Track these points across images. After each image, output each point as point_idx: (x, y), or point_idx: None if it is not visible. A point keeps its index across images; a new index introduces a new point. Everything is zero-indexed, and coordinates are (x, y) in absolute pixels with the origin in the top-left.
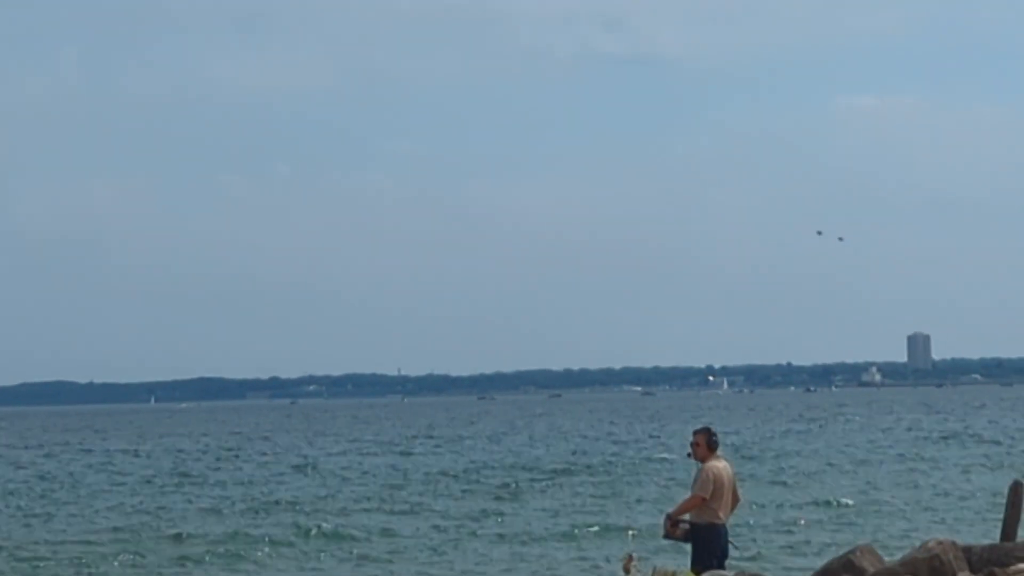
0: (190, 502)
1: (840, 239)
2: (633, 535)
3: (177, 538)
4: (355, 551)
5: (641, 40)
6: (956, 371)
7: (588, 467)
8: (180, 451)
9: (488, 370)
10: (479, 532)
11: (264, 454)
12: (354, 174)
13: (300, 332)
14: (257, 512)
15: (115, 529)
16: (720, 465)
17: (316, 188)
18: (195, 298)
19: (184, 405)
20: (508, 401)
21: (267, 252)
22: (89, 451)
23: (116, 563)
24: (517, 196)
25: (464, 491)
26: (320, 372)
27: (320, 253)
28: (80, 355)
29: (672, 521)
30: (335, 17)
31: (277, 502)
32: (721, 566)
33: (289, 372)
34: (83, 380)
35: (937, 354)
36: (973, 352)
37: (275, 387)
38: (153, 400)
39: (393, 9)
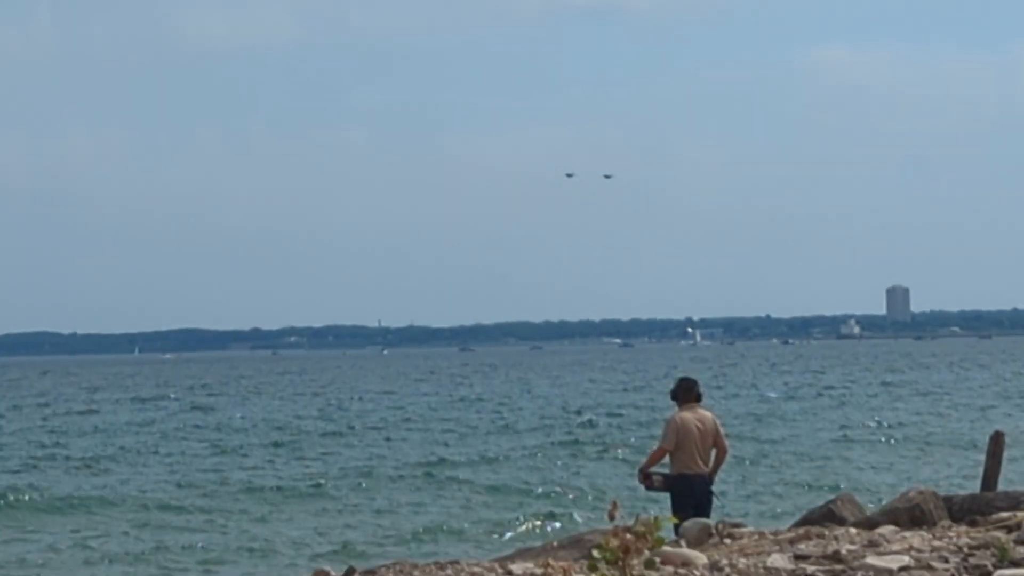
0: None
1: (607, 176)
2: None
3: None
4: None
5: None
6: (935, 323)
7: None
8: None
9: (469, 322)
10: None
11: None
12: (328, 125)
13: (281, 284)
14: None
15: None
16: (688, 416)
17: (291, 139)
18: (176, 250)
19: (167, 356)
20: (490, 353)
21: (246, 204)
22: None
23: None
24: (491, 147)
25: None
26: (301, 323)
27: (299, 205)
28: (63, 306)
29: (644, 473)
30: None
31: None
32: (700, 515)
33: (271, 323)
34: (66, 331)
35: (916, 307)
36: (952, 304)
37: (257, 338)
38: (137, 351)
39: None
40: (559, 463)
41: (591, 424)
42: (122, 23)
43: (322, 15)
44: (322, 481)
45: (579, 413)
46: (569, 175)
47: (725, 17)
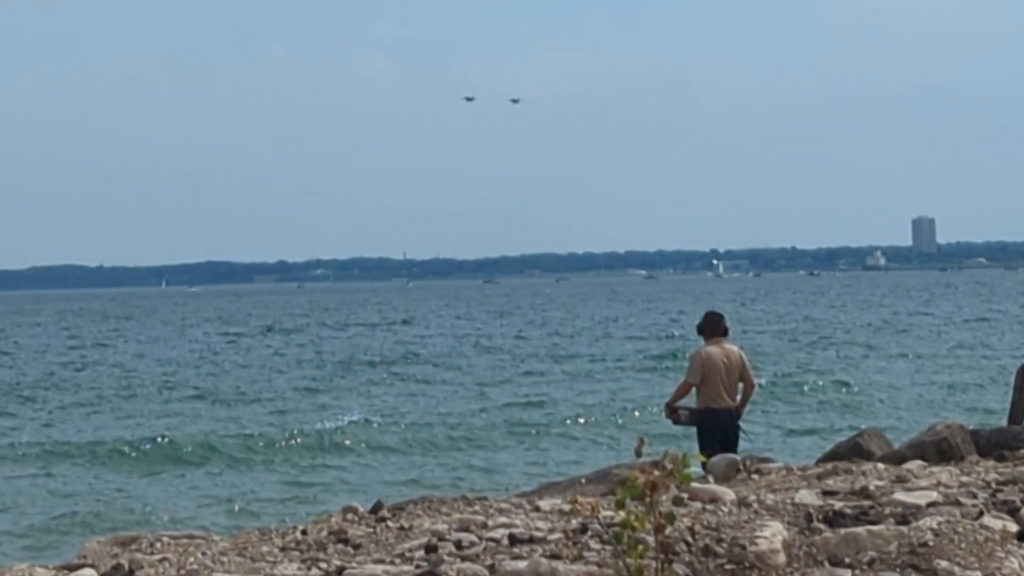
0: None
1: (514, 101)
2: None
3: None
4: None
5: None
6: (961, 255)
7: None
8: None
9: (493, 254)
10: None
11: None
12: (350, 55)
13: (307, 216)
14: None
15: None
16: (713, 350)
17: (313, 69)
18: (201, 182)
19: (193, 289)
20: (514, 285)
21: (269, 136)
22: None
23: None
24: (514, 77)
25: None
26: (327, 256)
27: (322, 137)
28: (89, 239)
29: (670, 408)
30: None
31: None
32: (727, 450)
33: (296, 256)
34: (92, 264)
35: (942, 238)
36: (978, 236)
37: (282, 271)
38: (163, 283)
39: None
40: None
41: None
42: None
43: None
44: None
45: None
46: (469, 99)
47: None
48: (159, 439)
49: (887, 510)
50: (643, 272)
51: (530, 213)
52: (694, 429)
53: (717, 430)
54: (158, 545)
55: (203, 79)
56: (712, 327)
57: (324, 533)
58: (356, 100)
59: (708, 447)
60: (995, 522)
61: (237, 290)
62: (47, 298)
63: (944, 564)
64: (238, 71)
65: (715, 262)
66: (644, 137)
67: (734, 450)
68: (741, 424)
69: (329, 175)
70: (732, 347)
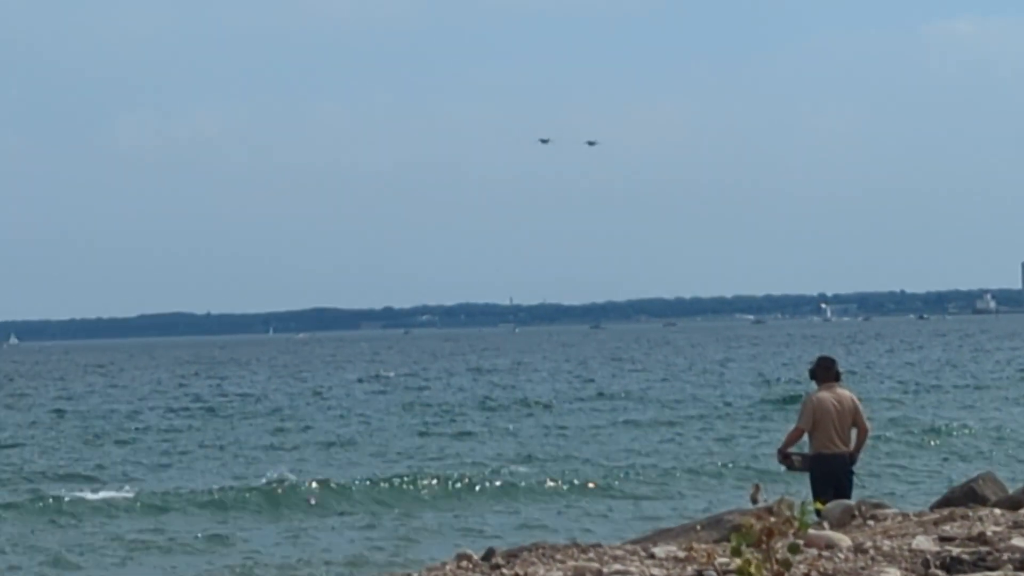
0: None
1: (590, 143)
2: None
3: None
4: None
5: None
6: None
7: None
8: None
9: (600, 299)
10: None
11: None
12: (450, 100)
13: (413, 262)
14: None
15: None
16: (825, 395)
17: (414, 114)
18: (305, 229)
19: (301, 335)
20: (622, 330)
21: (375, 179)
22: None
23: None
24: (613, 123)
25: None
26: (433, 302)
27: (424, 181)
28: (197, 287)
29: (782, 454)
30: None
31: None
32: (840, 496)
33: (402, 302)
34: (200, 311)
35: None
36: None
37: (388, 317)
38: (271, 331)
39: None
40: None
41: None
42: (243, 4)
43: None
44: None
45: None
46: (544, 140)
47: None
48: (276, 483)
49: (1005, 556)
50: (751, 317)
51: (637, 257)
52: (807, 475)
53: (830, 476)
54: None
55: (306, 126)
56: (824, 372)
57: None
58: (453, 143)
59: (822, 493)
60: None
61: (344, 336)
62: (158, 345)
63: None
64: (337, 114)
65: (823, 306)
66: (750, 181)
67: (848, 496)
68: (854, 470)
69: (432, 219)
70: (844, 392)
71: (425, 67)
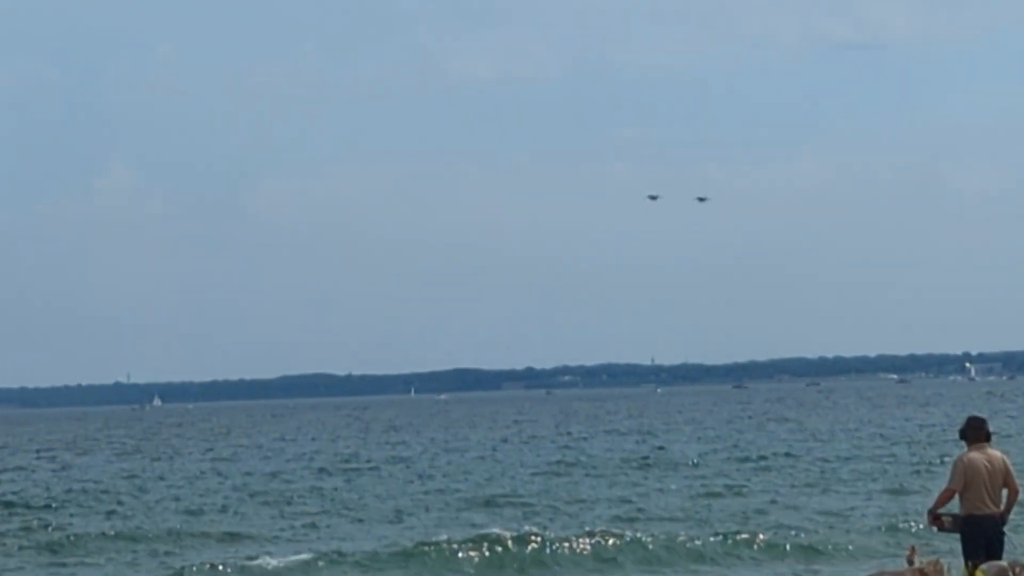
0: None
1: (700, 199)
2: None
3: None
4: None
5: (870, 25)
6: None
7: None
8: None
9: (742, 358)
10: None
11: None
12: (593, 160)
13: (555, 322)
14: None
15: None
16: (976, 456)
17: (558, 174)
18: (449, 288)
19: (443, 396)
20: (765, 389)
21: (515, 241)
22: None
23: None
24: (755, 180)
25: None
26: (575, 362)
27: (568, 241)
28: (338, 348)
29: (933, 515)
30: (561, 7)
31: None
32: (991, 557)
33: (544, 362)
34: (341, 372)
35: None
36: None
37: (530, 377)
38: (412, 391)
39: (621, 1)
40: None
41: None
42: (387, 58)
43: (584, 50)
44: None
45: None
46: (653, 197)
47: (991, 44)
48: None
49: None
50: (894, 376)
51: (779, 316)
52: (958, 536)
53: (981, 537)
54: None
55: (446, 188)
56: (974, 432)
57: None
58: (597, 203)
59: (973, 554)
60: None
61: (485, 397)
62: (300, 406)
63: None
64: (479, 173)
65: (967, 365)
66: (891, 237)
67: (999, 557)
68: (1005, 530)
69: (575, 279)
70: (995, 452)
71: (565, 128)
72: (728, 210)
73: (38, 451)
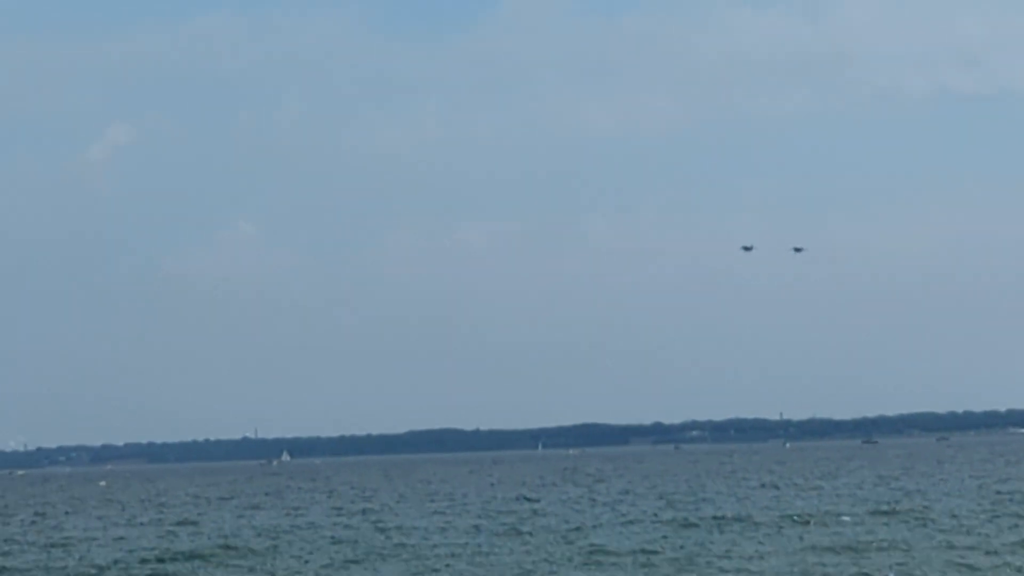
0: None
1: (796, 250)
2: None
3: None
4: None
5: (1001, 77)
6: None
7: None
8: None
9: (871, 413)
10: None
11: None
12: (716, 214)
13: (683, 378)
14: None
15: None
16: None
17: (679, 229)
18: (576, 346)
19: (571, 451)
20: (894, 445)
21: (644, 297)
22: None
23: None
24: (879, 234)
25: None
26: (703, 417)
27: (697, 297)
28: (466, 403)
29: None
30: (686, 63)
31: None
32: None
33: (672, 417)
34: (469, 427)
35: None
36: None
37: (658, 432)
38: (540, 446)
39: (744, 54)
40: None
41: None
42: (505, 115)
43: (705, 108)
44: None
45: None
46: (747, 248)
47: None
48: None
49: None
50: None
51: (907, 370)
52: None
53: None
54: None
55: (570, 245)
56: None
57: None
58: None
59: None
60: None
61: (613, 452)
62: (429, 461)
63: None
64: (600, 229)
65: None
66: (1016, 291)
67: None
68: None
69: (698, 336)
70: None
71: (690, 180)
72: (853, 264)
73: (221, 499)
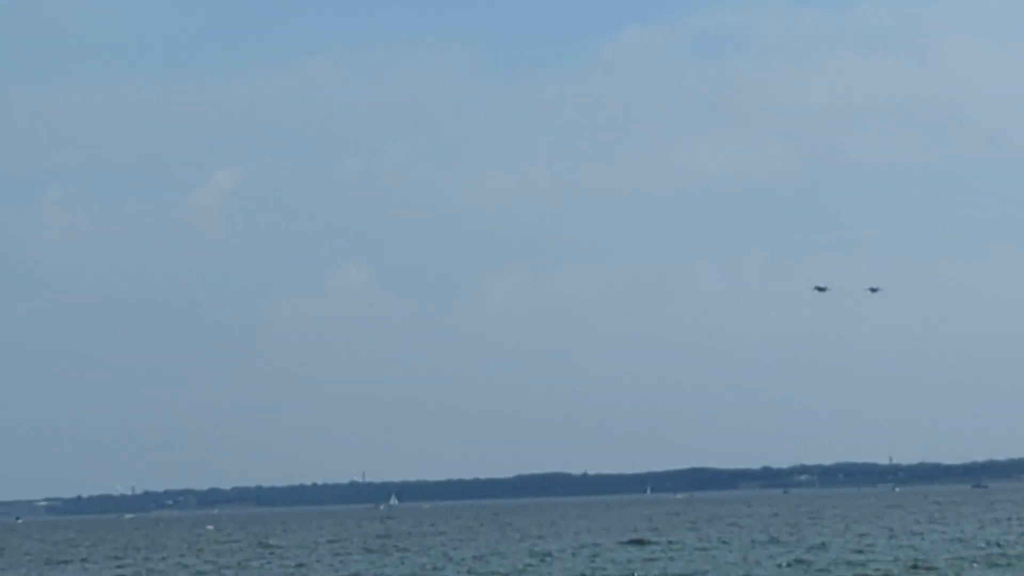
0: None
1: (872, 290)
2: None
3: None
4: None
5: None
6: None
7: None
8: None
9: (981, 457)
10: None
11: None
12: (827, 255)
13: (791, 420)
14: None
15: None
16: None
17: (789, 273)
18: (680, 385)
19: (679, 495)
20: (1006, 489)
21: (748, 339)
22: None
23: None
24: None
25: None
26: (811, 461)
27: (803, 339)
28: (574, 446)
29: None
30: (793, 105)
31: None
32: None
33: (780, 462)
34: (577, 471)
35: None
36: None
37: (766, 477)
38: (648, 490)
39: (849, 97)
40: None
41: None
42: (614, 164)
43: (811, 150)
44: None
45: None
46: (821, 288)
47: None
48: None
49: None
50: None
51: (1017, 415)
52: None
53: None
54: None
55: (675, 285)
56: None
57: None
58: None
59: None
60: None
61: (722, 497)
62: (540, 506)
63: None
64: (711, 273)
65: None
66: None
67: None
68: None
69: (811, 377)
70: None
71: (797, 225)
72: (963, 307)
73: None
